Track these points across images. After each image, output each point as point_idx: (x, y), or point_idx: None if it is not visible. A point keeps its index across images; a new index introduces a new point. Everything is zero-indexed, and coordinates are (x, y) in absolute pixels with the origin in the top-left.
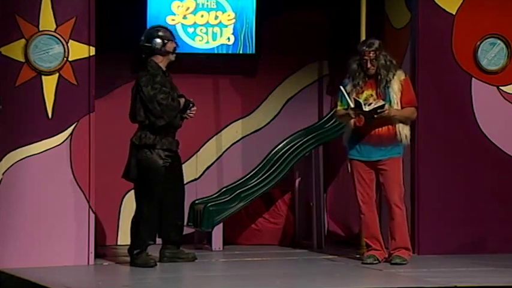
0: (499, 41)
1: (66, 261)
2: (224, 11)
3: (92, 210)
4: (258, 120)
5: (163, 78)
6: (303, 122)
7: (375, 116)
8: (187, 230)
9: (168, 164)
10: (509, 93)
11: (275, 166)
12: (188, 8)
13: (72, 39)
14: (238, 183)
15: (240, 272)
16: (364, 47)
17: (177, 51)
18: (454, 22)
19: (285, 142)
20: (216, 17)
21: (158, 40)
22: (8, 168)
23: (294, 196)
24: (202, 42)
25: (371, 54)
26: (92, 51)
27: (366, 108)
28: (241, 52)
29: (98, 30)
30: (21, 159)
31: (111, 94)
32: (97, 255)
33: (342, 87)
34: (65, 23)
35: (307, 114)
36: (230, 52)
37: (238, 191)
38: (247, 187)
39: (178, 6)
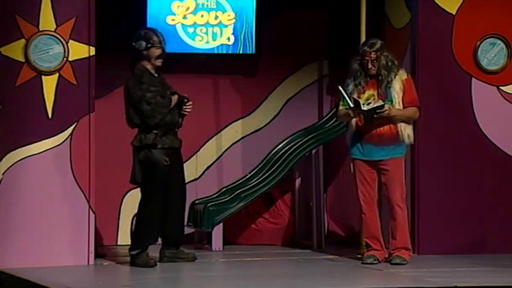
0: (499, 41)
1: (66, 261)
2: (224, 11)
3: (92, 210)
4: (258, 120)
5: (150, 78)
6: (303, 122)
7: (375, 116)
8: (187, 230)
9: (170, 162)
10: (509, 93)
11: (275, 166)
12: (188, 8)
13: (72, 39)
14: (238, 183)
15: (240, 272)
16: (365, 48)
17: (179, 51)
18: (454, 22)
19: (285, 142)
20: (216, 17)
21: (143, 43)
22: (8, 168)
23: (294, 196)
24: (202, 42)
25: (372, 55)
26: (92, 51)
27: (365, 108)
28: (241, 52)
29: (98, 30)
30: (21, 159)
31: (111, 94)
32: (97, 255)
33: (340, 87)
34: (65, 23)
35: (307, 114)
36: (230, 52)
37: (238, 191)
38: (247, 187)
39: (178, 6)
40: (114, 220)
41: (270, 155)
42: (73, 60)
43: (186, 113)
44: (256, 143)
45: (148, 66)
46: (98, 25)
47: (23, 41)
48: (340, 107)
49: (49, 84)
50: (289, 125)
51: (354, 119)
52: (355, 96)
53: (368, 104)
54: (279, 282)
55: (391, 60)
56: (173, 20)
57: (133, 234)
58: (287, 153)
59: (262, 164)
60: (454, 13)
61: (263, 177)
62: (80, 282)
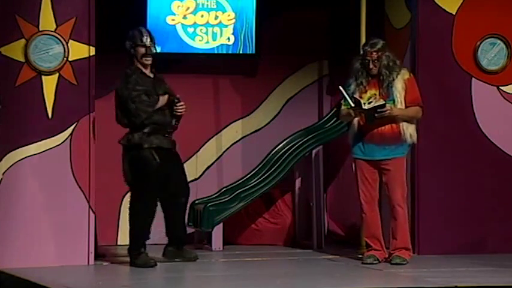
0: (499, 41)
1: (66, 261)
2: (224, 11)
3: (92, 210)
4: (258, 120)
5: (140, 77)
6: (303, 122)
7: (376, 115)
8: (187, 230)
9: (162, 162)
10: (509, 93)
11: (275, 166)
12: (188, 8)
13: (72, 39)
14: (238, 183)
15: (240, 272)
16: (367, 47)
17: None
18: (454, 22)
19: (285, 142)
20: (216, 17)
21: (127, 43)
22: (8, 168)
23: (294, 196)
24: (202, 42)
25: (373, 55)
26: (92, 51)
27: (366, 107)
28: (241, 52)
29: (98, 30)
30: (21, 159)
31: (111, 94)
32: (97, 255)
33: (341, 87)
34: (65, 23)
35: (307, 114)
36: (230, 52)
37: (238, 191)
38: (247, 187)
39: (178, 6)
40: (114, 220)
41: (270, 155)
42: (73, 60)
43: (178, 113)
44: (256, 143)
45: (139, 66)
46: (98, 25)
47: (23, 41)
48: (342, 107)
49: (49, 84)
50: (289, 125)
51: (356, 119)
52: (356, 95)
53: (369, 104)
54: (279, 282)
55: (392, 60)
56: (173, 20)
57: (129, 235)
58: (287, 153)
59: (262, 164)
60: (454, 13)
61: (263, 177)
62: (80, 282)
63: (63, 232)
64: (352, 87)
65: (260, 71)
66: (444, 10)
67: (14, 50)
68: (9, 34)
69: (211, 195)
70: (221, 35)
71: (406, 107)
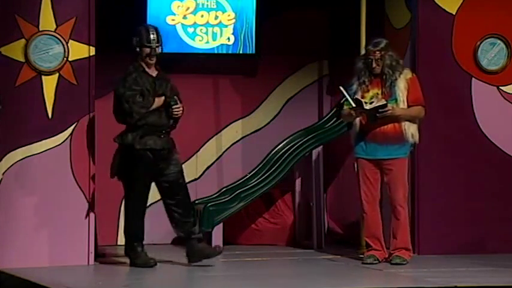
0: (499, 41)
1: (66, 261)
2: (224, 11)
3: (92, 210)
4: (258, 120)
5: (140, 76)
6: (303, 122)
7: (377, 115)
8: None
9: (151, 163)
10: (509, 93)
11: (275, 166)
12: (188, 8)
13: (72, 39)
14: (238, 183)
15: (240, 272)
16: (370, 47)
17: (179, 51)
18: (454, 22)
19: (285, 142)
20: (216, 17)
21: (134, 39)
22: (8, 168)
23: (294, 196)
24: (202, 42)
25: (376, 54)
26: (92, 51)
27: (367, 107)
28: (241, 52)
29: (98, 30)
30: (21, 159)
31: (111, 94)
32: (97, 255)
33: (342, 88)
34: (65, 23)
35: (307, 114)
36: (230, 52)
37: (238, 191)
38: (247, 187)
39: (178, 6)
40: (114, 220)
41: (270, 155)
42: (73, 60)
43: (174, 115)
44: (256, 143)
45: (143, 64)
46: (98, 25)
47: (23, 41)
48: (344, 107)
49: (49, 84)
50: (289, 125)
51: (358, 118)
52: (359, 95)
53: (371, 104)
54: (279, 282)
55: (395, 59)
56: (173, 20)
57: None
58: (287, 153)
59: (262, 164)
60: (454, 13)
61: (263, 177)
62: (80, 282)
63: (63, 232)
64: (355, 86)
65: (260, 71)
66: (444, 10)
67: (14, 50)
68: (9, 34)
69: (211, 195)
70: (221, 35)
71: (409, 106)
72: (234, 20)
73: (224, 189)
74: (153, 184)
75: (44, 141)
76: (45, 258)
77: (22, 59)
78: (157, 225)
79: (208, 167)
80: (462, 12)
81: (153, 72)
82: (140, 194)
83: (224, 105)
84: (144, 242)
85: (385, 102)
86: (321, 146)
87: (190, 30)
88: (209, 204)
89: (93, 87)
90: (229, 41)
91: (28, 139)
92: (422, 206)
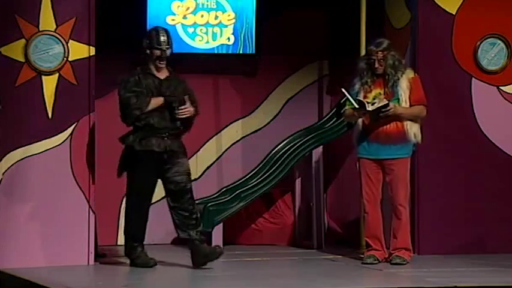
0: (499, 41)
1: (66, 261)
2: (224, 11)
3: (92, 210)
4: (258, 120)
5: (145, 77)
6: (303, 122)
7: (380, 115)
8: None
9: (151, 165)
10: (509, 93)
11: (275, 166)
12: (188, 8)
13: (72, 39)
14: (238, 183)
15: (240, 272)
16: (372, 47)
17: (179, 51)
18: (454, 22)
19: (285, 142)
20: (216, 17)
21: (144, 41)
22: (8, 168)
23: (294, 196)
24: (202, 42)
25: (379, 54)
26: (92, 51)
27: (369, 108)
28: (241, 52)
29: (98, 30)
30: (21, 159)
31: (111, 94)
32: (97, 255)
33: (343, 89)
34: (65, 23)
35: (307, 114)
36: (230, 52)
37: (238, 191)
38: (247, 187)
39: (178, 6)
40: (114, 220)
41: (270, 155)
42: (73, 60)
43: (180, 116)
44: (256, 143)
45: (151, 66)
46: (98, 25)
47: (23, 41)
48: (347, 107)
49: (49, 84)
50: (289, 125)
51: (360, 119)
52: (361, 95)
53: (373, 104)
54: (279, 282)
55: (398, 59)
56: (173, 20)
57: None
58: (287, 153)
59: (262, 164)
60: (454, 13)
61: (263, 177)
62: (80, 282)
63: (63, 232)
64: (357, 86)
65: (260, 71)
66: (444, 10)
67: (14, 50)
68: (9, 34)
69: (211, 195)
70: (221, 35)
71: (411, 105)
72: (234, 20)
73: (224, 189)
74: (159, 184)
75: (43, 141)
76: (45, 258)
77: (22, 59)
78: (158, 225)
79: (208, 167)
80: (462, 12)
81: (163, 74)
82: (140, 195)
83: (224, 105)
84: (144, 242)
85: (387, 102)
86: (321, 146)
87: (190, 30)
88: (209, 204)
89: (93, 87)
90: (229, 41)
91: (28, 139)
92: (422, 206)
